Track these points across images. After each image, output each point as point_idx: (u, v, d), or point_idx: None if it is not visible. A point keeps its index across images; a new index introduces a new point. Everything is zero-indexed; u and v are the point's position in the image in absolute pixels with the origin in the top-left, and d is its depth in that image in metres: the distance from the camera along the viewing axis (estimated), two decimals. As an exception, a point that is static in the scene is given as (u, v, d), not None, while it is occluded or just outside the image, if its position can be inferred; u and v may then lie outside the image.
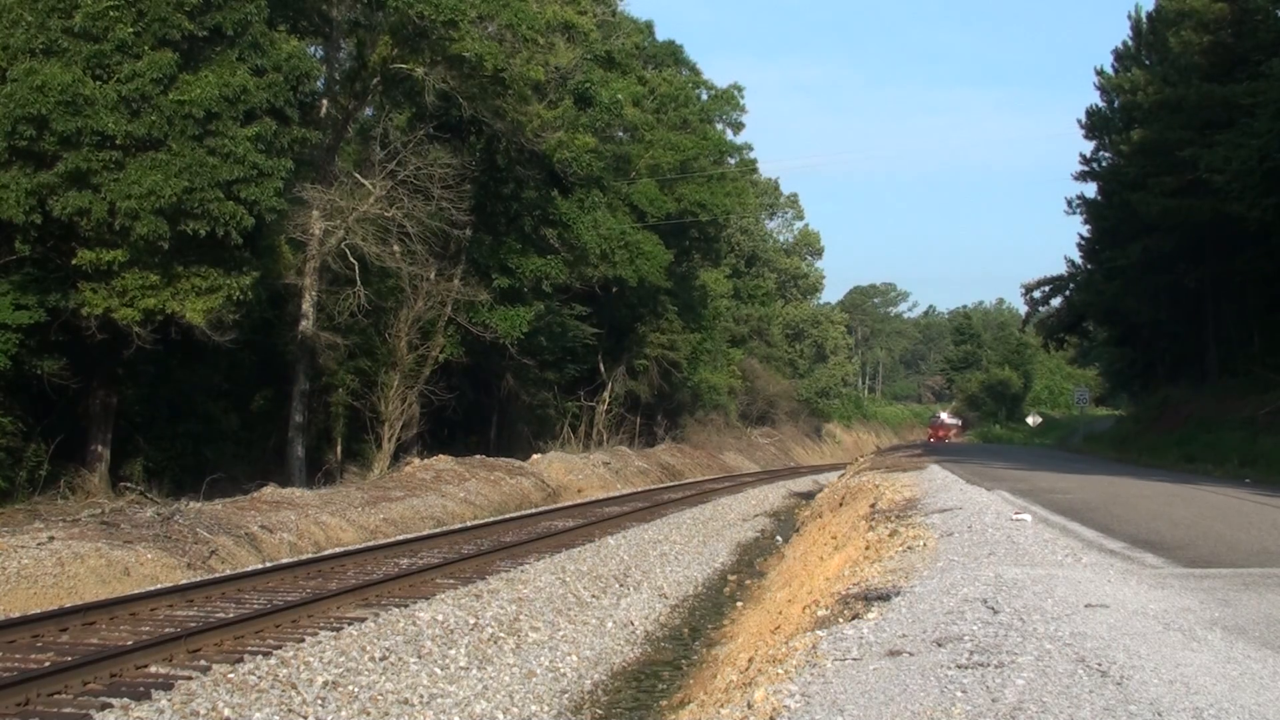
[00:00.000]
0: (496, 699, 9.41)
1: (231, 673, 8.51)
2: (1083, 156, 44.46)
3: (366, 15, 26.52)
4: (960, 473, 19.94)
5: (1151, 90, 35.16)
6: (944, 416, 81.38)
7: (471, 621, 11.29)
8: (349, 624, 10.40)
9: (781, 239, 79.93)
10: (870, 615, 6.75)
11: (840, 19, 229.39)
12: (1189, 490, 17.03)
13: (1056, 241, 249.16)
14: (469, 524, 20.58)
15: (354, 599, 11.66)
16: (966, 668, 5.18)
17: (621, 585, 15.11)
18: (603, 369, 41.94)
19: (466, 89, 26.89)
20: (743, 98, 51.46)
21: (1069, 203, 45.94)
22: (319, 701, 8.29)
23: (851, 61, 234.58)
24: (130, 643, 9.27)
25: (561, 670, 10.69)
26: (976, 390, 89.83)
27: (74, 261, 17.61)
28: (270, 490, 19.55)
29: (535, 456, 31.73)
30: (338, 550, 16.32)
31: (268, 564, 14.78)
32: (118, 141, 17.04)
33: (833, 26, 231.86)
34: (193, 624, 10.17)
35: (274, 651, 9.22)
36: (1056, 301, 50.74)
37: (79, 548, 12.78)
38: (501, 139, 30.04)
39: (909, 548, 9.75)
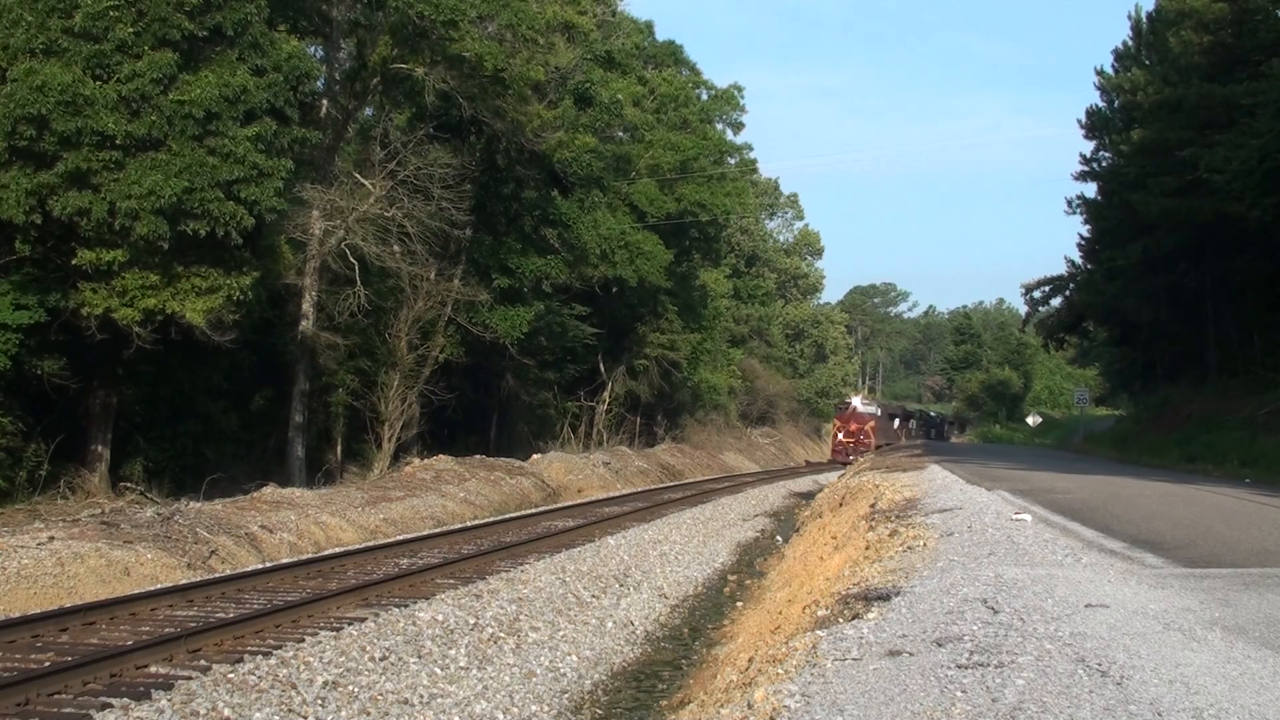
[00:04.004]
0: (496, 699, 9.41)
1: (231, 673, 8.51)
2: (1083, 156, 44.53)
3: (366, 15, 26.51)
4: (960, 473, 19.94)
5: (1151, 90, 35.18)
6: (857, 403, 55.68)
7: (471, 621, 11.29)
8: (349, 624, 10.40)
9: (781, 239, 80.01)
10: (870, 615, 6.75)
11: (832, 20, 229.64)
12: (1189, 490, 17.03)
13: (1056, 241, 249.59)
14: (469, 524, 20.57)
15: (354, 599, 11.66)
16: (966, 668, 5.18)
17: (621, 585, 15.11)
18: (603, 369, 41.94)
19: (466, 89, 26.89)
20: (742, 98, 51.51)
21: (1069, 203, 46.01)
22: (319, 701, 8.29)
23: (852, 64, 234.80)
24: (130, 643, 9.26)
25: (561, 670, 10.69)
26: (976, 390, 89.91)
27: (74, 261, 17.60)
28: (270, 490, 19.53)
29: (535, 456, 31.72)
30: (338, 550, 16.31)
31: (268, 564, 14.77)
32: (118, 141, 17.02)
33: (825, 29, 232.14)
34: (193, 624, 10.16)
35: (274, 651, 9.22)
36: (1056, 301, 50.83)
37: (79, 548, 12.77)
38: (501, 139, 30.04)
39: (909, 548, 9.75)
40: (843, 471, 32.33)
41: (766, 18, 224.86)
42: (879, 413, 56.02)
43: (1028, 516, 11.68)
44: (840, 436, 51.73)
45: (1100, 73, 43.32)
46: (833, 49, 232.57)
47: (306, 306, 25.22)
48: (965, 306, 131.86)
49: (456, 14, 24.22)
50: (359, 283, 25.99)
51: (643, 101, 42.82)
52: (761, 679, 5.96)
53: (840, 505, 18.45)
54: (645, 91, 43.72)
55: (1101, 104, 43.40)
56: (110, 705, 7.56)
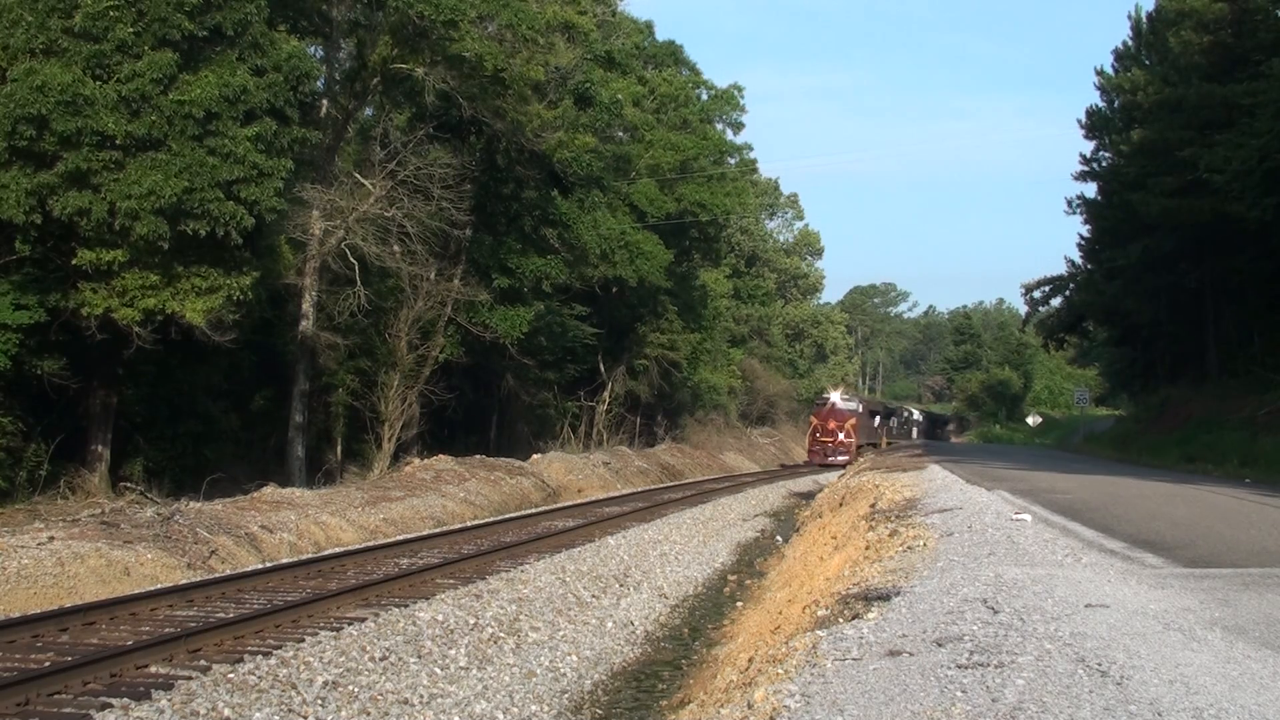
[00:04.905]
0: (496, 699, 9.41)
1: (231, 673, 8.51)
2: (1083, 156, 44.58)
3: (366, 15, 26.52)
4: (960, 473, 19.94)
5: (1151, 90, 35.21)
6: (836, 398, 49.07)
7: (471, 621, 11.29)
8: (349, 624, 10.40)
9: (781, 239, 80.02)
10: (870, 615, 6.75)
11: (835, 21, 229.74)
12: (1189, 490, 17.03)
13: (1056, 241, 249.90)
14: (469, 524, 20.57)
15: (354, 599, 11.66)
16: (966, 668, 5.18)
17: (621, 585, 15.11)
18: (603, 369, 41.94)
19: (466, 89, 26.89)
20: (742, 98, 51.54)
21: (1069, 203, 46.06)
22: (319, 701, 8.29)
23: (855, 65, 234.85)
24: (130, 643, 9.26)
25: (561, 670, 10.69)
26: (976, 390, 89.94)
27: (74, 261, 17.60)
28: (270, 490, 19.53)
29: (535, 456, 31.72)
30: (338, 550, 16.32)
31: (268, 564, 14.77)
32: (118, 141, 17.03)
33: (828, 30, 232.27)
34: (193, 624, 10.17)
35: (274, 651, 9.22)
36: (1056, 301, 50.88)
37: (79, 548, 12.77)
38: (501, 139, 30.04)
39: (909, 548, 9.75)
40: (842, 472, 32.25)
41: (770, 19, 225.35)
42: (860, 409, 50.30)
43: (1028, 516, 11.67)
44: (818, 436, 47.32)
45: (1100, 73, 43.39)
46: (835, 50, 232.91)
47: (306, 306, 25.22)
48: (965, 306, 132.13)
49: (456, 14, 24.21)
50: (359, 283, 25.98)
51: (643, 101, 42.82)
52: (761, 679, 5.96)
53: (840, 505, 18.45)
54: (645, 91, 43.73)
55: (1101, 104, 43.46)
56: (110, 705, 7.56)
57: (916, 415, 73.64)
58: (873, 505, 14.92)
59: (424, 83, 25.95)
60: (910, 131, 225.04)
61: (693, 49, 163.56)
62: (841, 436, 46.35)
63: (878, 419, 55.39)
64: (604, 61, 38.41)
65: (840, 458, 44.82)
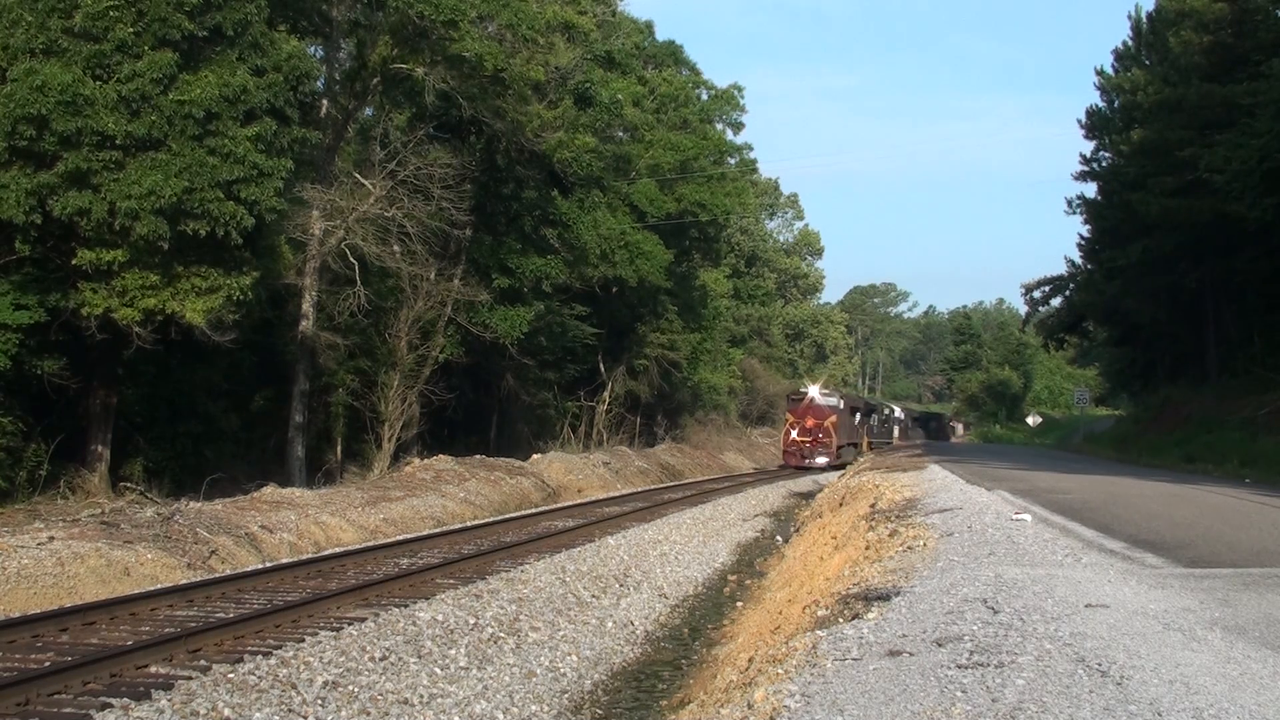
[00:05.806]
0: (496, 699, 9.41)
1: (231, 673, 8.51)
2: (1083, 156, 44.61)
3: (366, 15, 26.52)
4: (960, 473, 19.94)
5: (1151, 90, 35.23)
6: (815, 393, 44.82)
7: (471, 621, 11.29)
8: (349, 624, 10.40)
9: (781, 239, 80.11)
10: (870, 615, 6.75)
11: (838, 23, 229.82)
12: (1189, 490, 17.03)
13: (1056, 241, 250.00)
14: (469, 524, 20.57)
15: (354, 599, 11.66)
16: (966, 668, 5.18)
17: (621, 585, 15.11)
18: (603, 369, 41.94)
19: (466, 89, 26.89)
20: (742, 98, 51.59)
21: (1069, 203, 46.13)
22: (319, 701, 8.29)
23: (857, 66, 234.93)
24: (130, 643, 9.26)
25: (561, 670, 10.69)
26: (976, 390, 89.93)
27: (74, 261, 17.60)
28: (270, 490, 19.53)
29: (535, 456, 31.71)
30: (338, 550, 16.31)
31: (268, 564, 14.77)
32: (118, 141, 17.02)
33: (831, 31, 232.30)
34: (193, 624, 10.17)
35: (274, 651, 9.22)
36: (1056, 301, 50.95)
37: (79, 548, 12.77)
38: (501, 139, 30.04)
39: (909, 548, 9.75)
40: (842, 472, 32.22)
41: (771, 19, 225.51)
42: (841, 405, 45.80)
43: (1028, 516, 11.68)
44: (794, 435, 43.36)
45: (1100, 73, 43.43)
46: (836, 51, 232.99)
47: (306, 306, 25.22)
48: (965, 306, 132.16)
49: (456, 14, 24.21)
50: (359, 283, 25.98)
51: (643, 101, 42.82)
52: (761, 679, 5.96)
53: (840, 505, 18.45)
54: (645, 91, 43.73)
55: (1101, 104, 43.49)
56: (110, 705, 7.56)
57: (899, 413, 69.85)
58: (873, 505, 14.92)
59: (424, 83, 25.94)
60: (911, 132, 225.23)
61: (693, 49, 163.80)
62: (821, 435, 43.17)
63: (858, 416, 51.09)
64: (604, 61, 38.42)
65: (820, 459, 42.77)
